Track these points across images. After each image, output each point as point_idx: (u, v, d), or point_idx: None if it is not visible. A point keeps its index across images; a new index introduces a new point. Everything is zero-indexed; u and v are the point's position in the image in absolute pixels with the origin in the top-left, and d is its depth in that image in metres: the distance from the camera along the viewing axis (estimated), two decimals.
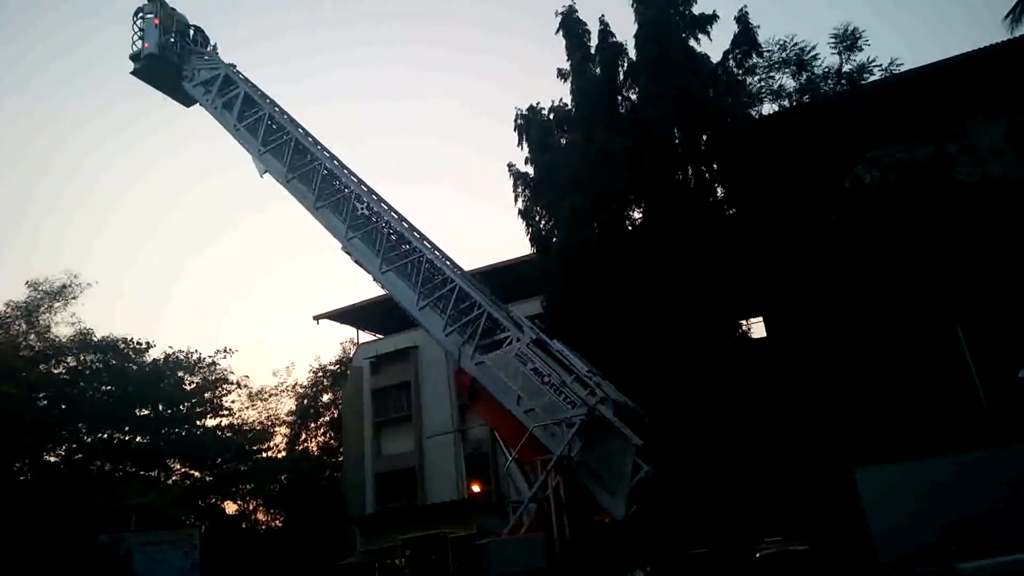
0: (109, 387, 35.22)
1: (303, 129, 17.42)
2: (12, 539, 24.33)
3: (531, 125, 22.12)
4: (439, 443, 33.05)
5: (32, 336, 33.48)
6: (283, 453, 44.06)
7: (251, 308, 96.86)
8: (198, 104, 19.59)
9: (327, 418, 45.18)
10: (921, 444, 11.43)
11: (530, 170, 21.95)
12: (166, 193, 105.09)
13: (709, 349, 17.17)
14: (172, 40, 19.68)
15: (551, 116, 22.30)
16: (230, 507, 41.76)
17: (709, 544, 10.89)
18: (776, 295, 17.91)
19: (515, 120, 22.39)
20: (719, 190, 20.44)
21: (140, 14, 19.69)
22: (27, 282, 33.90)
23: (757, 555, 11.20)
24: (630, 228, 20.29)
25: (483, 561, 11.45)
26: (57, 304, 33.89)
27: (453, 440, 32.34)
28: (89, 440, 35.10)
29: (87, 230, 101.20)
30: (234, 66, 18.88)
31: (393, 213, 15.85)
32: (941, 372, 16.03)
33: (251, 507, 42.85)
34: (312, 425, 45.65)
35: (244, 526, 40.87)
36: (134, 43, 19.54)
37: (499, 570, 11.06)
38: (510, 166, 22.37)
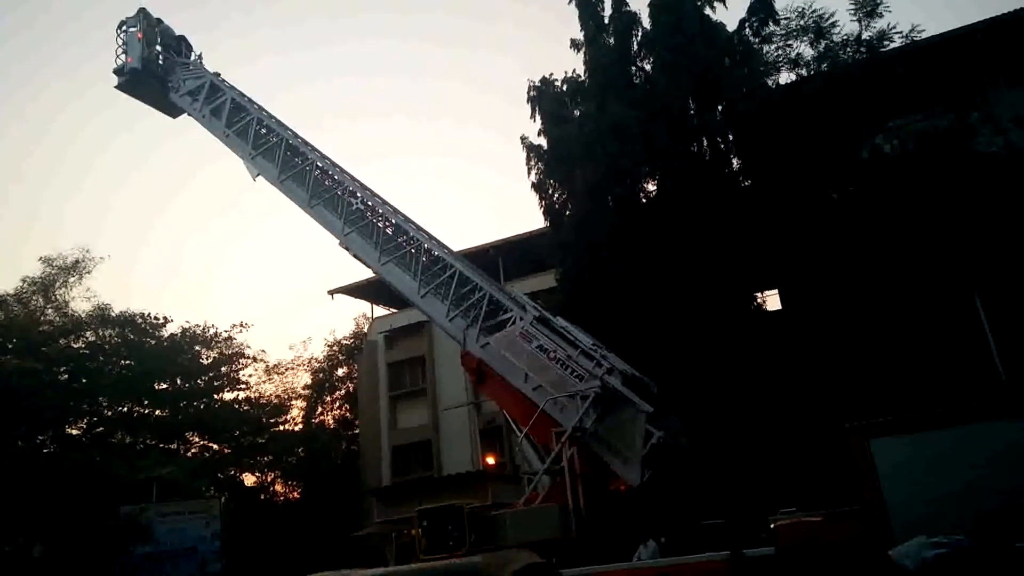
0: (128, 361, 35.71)
1: (292, 131, 17.58)
2: (37, 510, 24.88)
3: (544, 97, 21.93)
4: (454, 416, 33.33)
5: (50, 311, 33.90)
6: (300, 426, 44.62)
7: (265, 283, 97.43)
8: (185, 115, 19.85)
9: (343, 392, 45.59)
10: (938, 415, 11.36)
11: (543, 142, 21.81)
12: (179, 167, 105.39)
13: (724, 322, 17.14)
14: (157, 51, 19.79)
15: (564, 88, 22.08)
16: (248, 479, 42.48)
17: (724, 514, 10.97)
18: (792, 267, 17.80)
19: (527, 92, 22.21)
20: (735, 161, 20.25)
21: (123, 27, 19.75)
22: (40, 258, 34.29)
23: (771, 526, 11.24)
24: (644, 200, 20.17)
25: (499, 531, 11.59)
26: (72, 279, 34.26)
27: (468, 413, 32.58)
28: (109, 413, 35.70)
29: (100, 203, 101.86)
30: (219, 75, 19.10)
31: (388, 205, 16.00)
32: (959, 342, 15.93)
33: (269, 479, 43.54)
34: (328, 399, 46.11)
35: (262, 498, 41.56)
36: (117, 57, 19.65)
37: (515, 540, 11.20)
38: (523, 139, 22.24)
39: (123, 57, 19.50)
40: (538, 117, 21.91)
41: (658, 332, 16.80)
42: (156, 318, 37.93)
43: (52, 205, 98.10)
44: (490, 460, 30.50)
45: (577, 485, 11.29)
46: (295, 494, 42.95)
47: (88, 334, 35.54)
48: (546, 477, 11.98)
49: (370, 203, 16.13)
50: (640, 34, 20.96)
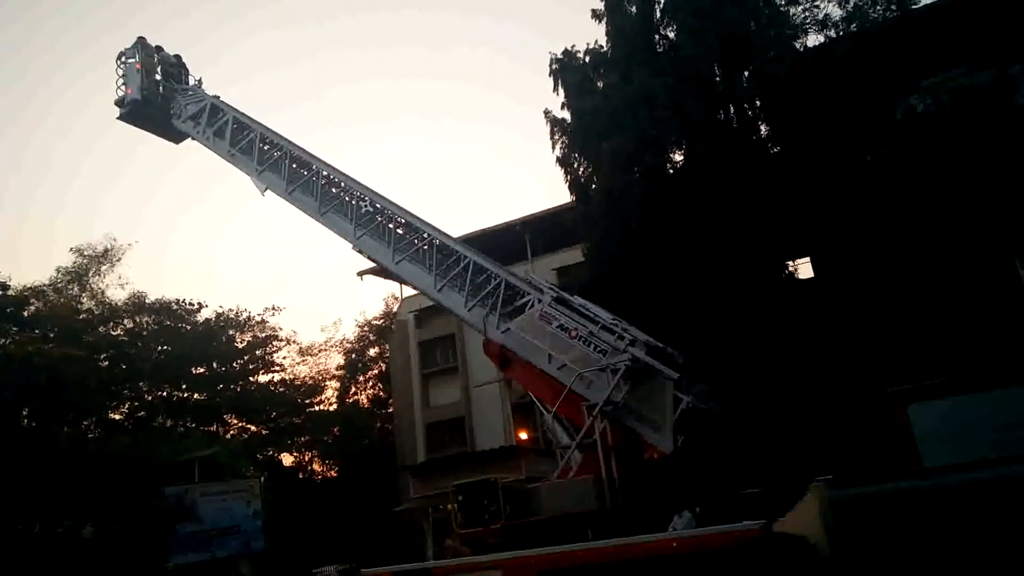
0: (166, 347, 36.56)
1: (295, 143, 17.85)
2: (85, 493, 25.65)
3: (566, 69, 21.66)
4: (485, 392, 33.55)
5: (85, 299, 34.71)
6: (334, 406, 45.36)
7: (294, 265, 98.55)
8: (188, 140, 20.11)
9: (375, 371, 46.17)
10: (978, 378, 11.14)
11: (567, 116, 21.58)
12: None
13: (756, 290, 16.94)
14: (157, 79, 20.03)
15: (587, 59, 21.76)
16: (287, 459, 43.41)
17: (760, 484, 10.93)
18: (824, 234, 17.48)
19: (549, 65, 21.95)
20: (763, 127, 19.86)
21: (122, 59, 19.96)
22: (72, 248, 35.09)
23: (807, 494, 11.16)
24: (672, 171, 19.92)
25: (534, 504, 11.68)
26: (104, 267, 35.01)
27: (499, 389, 32.77)
28: (150, 398, 36.63)
29: (134, 191, 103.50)
30: (218, 96, 19.35)
31: (396, 205, 16.20)
32: (997, 306, 15.55)
33: (306, 458, 44.41)
34: (361, 379, 46.74)
35: (301, 476, 42.45)
36: (118, 88, 19.92)
37: (550, 513, 11.29)
38: (546, 112, 22.01)
39: (123, 88, 19.83)
40: (561, 90, 21.67)
41: (689, 302, 16.66)
42: (191, 304, 38.71)
43: (81, 195, 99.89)
44: (523, 435, 30.71)
45: (610, 457, 11.34)
46: (332, 472, 43.78)
47: (126, 321, 36.39)
48: (578, 452, 12.03)
49: (378, 205, 16.36)
50: (663, 1, 20.55)
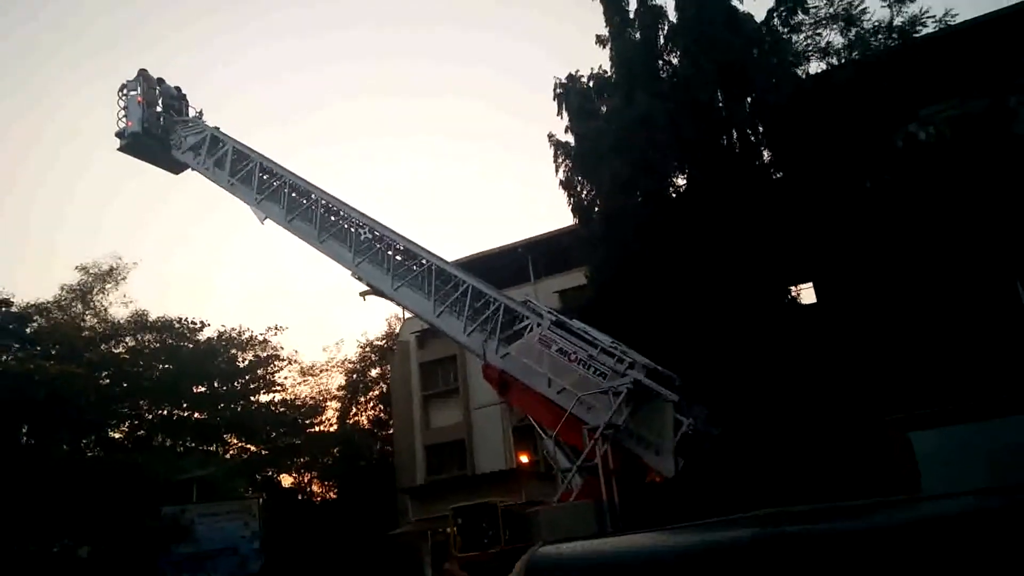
0: (166, 365, 36.49)
1: (293, 172, 18.08)
2: (82, 512, 25.50)
3: (570, 93, 21.82)
4: (486, 414, 33.39)
5: (89, 317, 34.78)
6: (335, 427, 45.17)
7: (296, 285, 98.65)
8: (188, 170, 20.51)
9: (376, 392, 46.01)
10: (980, 407, 11.11)
11: (570, 139, 21.72)
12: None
13: (757, 316, 16.94)
14: (158, 111, 20.30)
15: (590, 84, 21.95)
16: (286, 480, 43.15)
17: (761, 508, 10.86)
18: (826, 259, 17.50)
19: (554, 89, 22.12)
20: (765, 153, 19.97)
21: (124, 91, 20.28)
22: (76, 266, 35.26)
23: None
24: (674, 195, 20.00)
25: (533, 529, 11.61)
26: (108, 285, 35.13)
27: (500, 411, 32.62)
28: (150, 416, 36.54)
29: (134, 210, 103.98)
30: (218, 128, 19.63)
31: (394, 232, 16.41)
32: (1000, 333, 15.53)
33: (306, 479, 44.15)
34: (362, 399, 46.58)
35: (300, 498, 42.16)
36: (119, 120, 20.28)
37: (550, 536, 11.21)
38: (550, 136, 22.15)
39: (124, 121, 20.17)
40: (565, 114, 21.82)
41: (690, 326, 16.65)
42: (193, 322, 38.69)
43: (82, 211, 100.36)
44: (523, 458, 30.49)
45: (611, 481, 11.29)
46: (331, 494, 43.48)
47: (128, 339, 36.40)
48: (578, 476, 11.99)
49: (377, 232, 16.54)
50: (666, 27, 20.77)
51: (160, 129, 20.29)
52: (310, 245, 17.18)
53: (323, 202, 17.16)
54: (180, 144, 19.99)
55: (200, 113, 20.96)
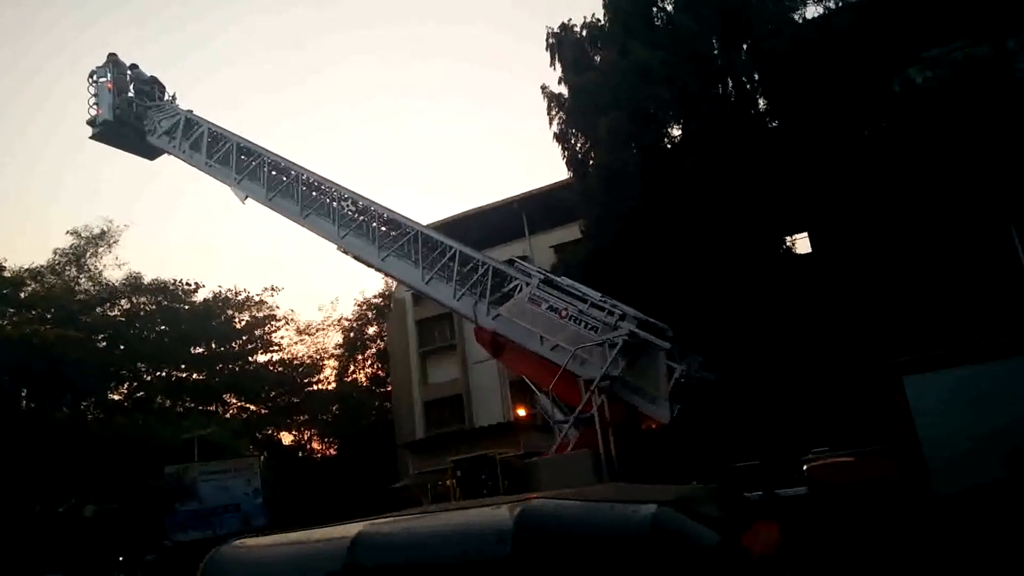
0: (163, 327, 36.57)
1: (272, 151, 17.88)
2: (86, 473, 25.79)
3: (563, 44, 21.44)
4: (484, 369, 33.51)
5: (83, 280, 34.68)
6: (333, 385, 45.47)
7: (291, 243, 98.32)
8: (164, 155, 20.05)
9: (374, 350, 46.20)
10: (971, 351, 11.17)
11: (564, 91, 21.39)
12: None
13: (753, 265, 16.93)
14: (130, 96, 19.82)
15: (584, 33, 21.56)
16: (286, 438, 43.63)
17: (757, 456, 11.04)
18: (822, 209, 17.42)
19: (546, 39, 21.73)
20: (761, 102, 19.71)
21: (93, 78, 19.67)
22: (68, 231, 35.06)
23: (804, 467, 11.25)
24: (670, 146, 19.79)
25: (532, 479, 11.75)
26: (101, 248, 34.97)
27: (497, 366, 32.78)
28: (149, 378, 36.73)
29: (129, 173, 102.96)
30: (192, 111, 19.27)
31: (377, 204, 16.32)
32: (995, 277, 15.56)
33: (306, 437, 44.63)
34: (360, 357, 46.80)
35: (300, 455, 42.68)
36: (90, 108, 19.71)
37: (548, 487, 11.34)
38: (543, 88, 21.84)
39: (95, 108, 19.59)
40: (558, 65, 21.46)
41: (686, 277, 16.65)
42: (188, 284, 38.65)
43: (79, 174, 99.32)
44: (521, 412, 30.77)
45: (608, 432, 11.40)
46: (332, 450, 44.00)
47: (123, 302, 36.37)
48: (574, 428, 12.10)
49: (360, 204, 16.45)
50: None
51: (133, 116, 19.81)
52: (293, 221, 17.11)
53: (304, 178, 17.06)
54: (154, 129, 19.60)
55: (173, 96, 20.53)
